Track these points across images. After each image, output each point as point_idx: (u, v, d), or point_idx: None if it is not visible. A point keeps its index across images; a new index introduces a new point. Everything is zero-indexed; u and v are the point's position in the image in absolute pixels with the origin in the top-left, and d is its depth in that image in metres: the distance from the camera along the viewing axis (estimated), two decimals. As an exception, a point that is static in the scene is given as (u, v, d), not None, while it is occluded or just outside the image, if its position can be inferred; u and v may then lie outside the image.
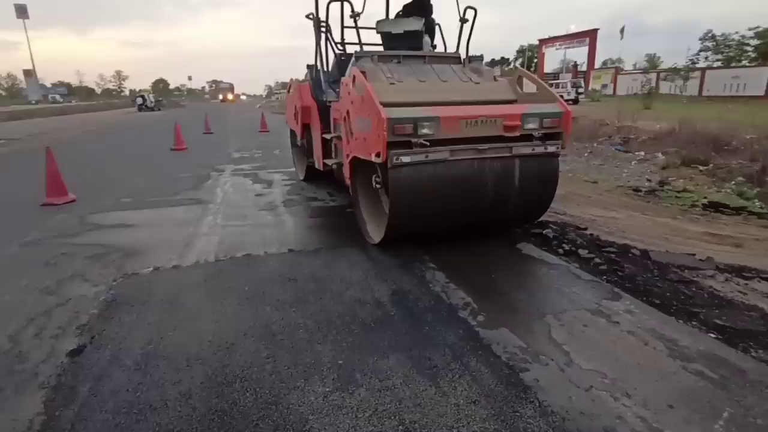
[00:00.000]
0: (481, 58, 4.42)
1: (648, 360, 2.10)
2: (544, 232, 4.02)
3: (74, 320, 2.48)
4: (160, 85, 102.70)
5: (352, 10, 4.40)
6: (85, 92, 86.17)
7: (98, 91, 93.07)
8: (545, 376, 1.97)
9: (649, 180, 6.75)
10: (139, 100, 39.85)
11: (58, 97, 65.88)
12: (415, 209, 3.33)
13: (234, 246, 3.68)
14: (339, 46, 4.82)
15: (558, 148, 3.62)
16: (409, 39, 4.51)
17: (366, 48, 4.63)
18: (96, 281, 3.00)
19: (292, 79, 6.40)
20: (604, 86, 38.35)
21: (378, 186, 3.63)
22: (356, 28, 4.49)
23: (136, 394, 1.87)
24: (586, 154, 8.73)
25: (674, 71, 30.60)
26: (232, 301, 2.72)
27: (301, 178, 6.46)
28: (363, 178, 3.85)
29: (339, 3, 4.37)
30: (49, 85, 75.49)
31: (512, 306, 2.66)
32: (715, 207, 5.30)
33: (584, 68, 42.73)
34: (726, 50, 33.01)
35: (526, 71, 4.36)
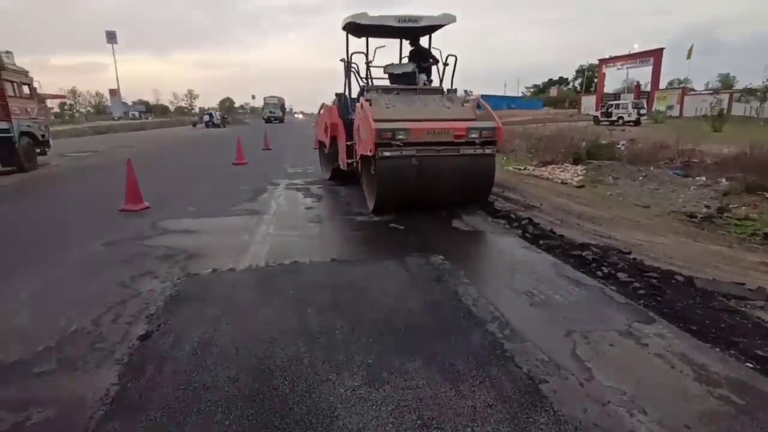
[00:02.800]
0: (455, 90, 6.52)
1: (672, 382, 2.12)
2: (583, 254, 4.02)
3: (144, 310, 2.85)
4: (226, 104, 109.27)
5: (366, 58, 6.65)
6: (161, 109, 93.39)
7: (172, 108, 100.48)
8: (563, 389, 2.05)
9: (707, 206, 6.43)
10: (206, 117, 42.73)
11: (136, 113, 71.90)
12: (393, 187, 5.18)
13: (283, 253, 3.99)
14: (363, 80, 6.60)
15: (493, 151, 5.44)
16: (406, 77, 6.59)
17: (379, 82, 6.71)
18: (163, 278, 3.40)
19: (324, 104, 8.16)
20: (670, 107, 36.45)
21: (373, 172, 5.27)
22: (368, 68, 6.60)
23: (193, 375, 2.16)
24: (640, 178, 8.41)
25: (749, 92, 28.60)
26: (278, 302, 3.00)
27: (327, 178, 8.35)
28: (367, 169, 5.60)
29: (359, 54, 6.62)
30: (130, 103, 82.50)
31: (540, 322, 2.74)
32: (779, 237, 4.98)
33: (648, 88, 40.85)
34: (811, 69, 30.39)
35: (481, 99, 6.23)
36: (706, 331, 2.64)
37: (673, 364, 2.27)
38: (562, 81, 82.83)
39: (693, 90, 42.44)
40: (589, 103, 46.18)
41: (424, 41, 6.97)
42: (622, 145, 13.52)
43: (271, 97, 54.80)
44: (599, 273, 3.59)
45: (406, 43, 7.21)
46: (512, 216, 5.47)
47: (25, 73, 11.73)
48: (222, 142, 19.32)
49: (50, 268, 3.68)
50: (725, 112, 26.21)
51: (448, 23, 6.39)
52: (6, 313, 2.85)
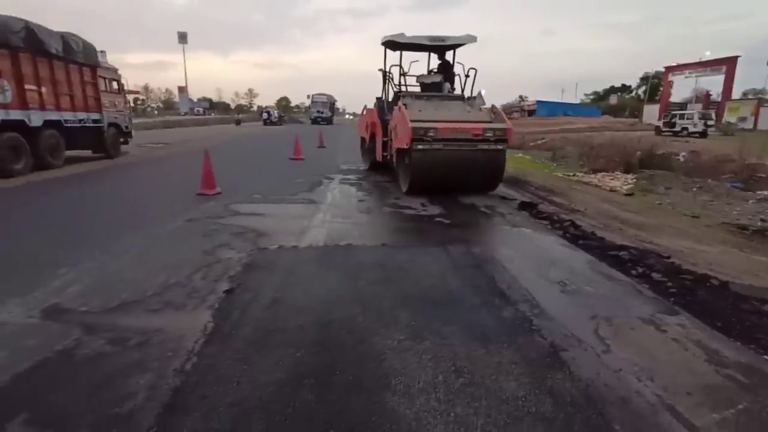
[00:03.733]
0: (473, 97, 7.63)
1: (683, 360, 2.36)
2: (620, 254, 4.20)
3: (226, 273, 3.41)
4: (282, 103, 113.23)
5: (401, 70, 8.33)
6: (222, 107, 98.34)
7: (232, 106, 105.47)
8: (581, 357, 2.35)
9: (762, 220, 6.29)
10: (265, 115, 44.84)
11: (201, 110, 76.20)
12: (424, 174, 6.54)
13: (338, 237, 4.48)
14: (397, 86, 8.25)
15: (504, 147, 6.75)
16: (434, 86, 8.09)
17: (412, 89, 8.31)
18: (239, 250, 3.97)
19: (365, 106, 9.98)
20: (743, 119, 34.11)
21: (407, 162, 6.75)
22: (403, 76, 8.38)
23: (269, 321, 2.65)
24: (694, 189, 8.24)
25: (836, 105, 26.25)
26: (335, 274, 3.46)
27: (366, 168, 9.88)
28: (401, 160, 7.15)
29: (396, 66, 8.34)
30: (195, 100, 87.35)
31: (568, 306, 3.01)
32: (834, 253, 4.88)
33: (719, 99, 38.41)
34: None
35: (497, 106, 7.28)
36: (729, 327, 2.81)
37: (688, 347, 2.50)
38: (625, 88, 79.14)
39: (774, 101, 39.42)
40: (651, 112, 43.96)
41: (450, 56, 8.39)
42: (682, 156, 13.08)
43: (319, 94, 47.04)
44: (633, 272, 3.78)
45: (433, 56, 8.69)
46: (555, 218, 5.68)
47: (115, 70, 13.10)
48: (279, 139, 20.39)
49: (147, 236, 4.37)
50: (805, 126, 24.30)
51: (470, 42, 7.76)
52: (119, 268, 3.50)
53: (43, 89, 9.42)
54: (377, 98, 8.69)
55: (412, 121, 6.34)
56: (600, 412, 1.92)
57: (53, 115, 9.63)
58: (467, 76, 7.94)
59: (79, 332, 2.45)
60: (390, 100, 8.29)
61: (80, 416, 1.79)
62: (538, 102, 63.79)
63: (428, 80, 8.30)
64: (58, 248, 3.94)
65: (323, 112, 44.23)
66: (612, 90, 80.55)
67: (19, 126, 8.54)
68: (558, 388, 2.08)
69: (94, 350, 2.28)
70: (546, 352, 2.39)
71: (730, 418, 1.91)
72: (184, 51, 63.46)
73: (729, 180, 9.80)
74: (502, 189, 7.86)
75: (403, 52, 8.37)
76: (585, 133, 23.04)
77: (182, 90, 70.28)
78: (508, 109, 66.28)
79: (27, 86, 8.89)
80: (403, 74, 8.29)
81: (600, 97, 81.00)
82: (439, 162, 6.46)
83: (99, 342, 2.36)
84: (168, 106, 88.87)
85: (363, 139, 10.22)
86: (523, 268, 3.73)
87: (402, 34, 7.62)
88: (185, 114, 59.89)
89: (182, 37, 62.98)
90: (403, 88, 8.34)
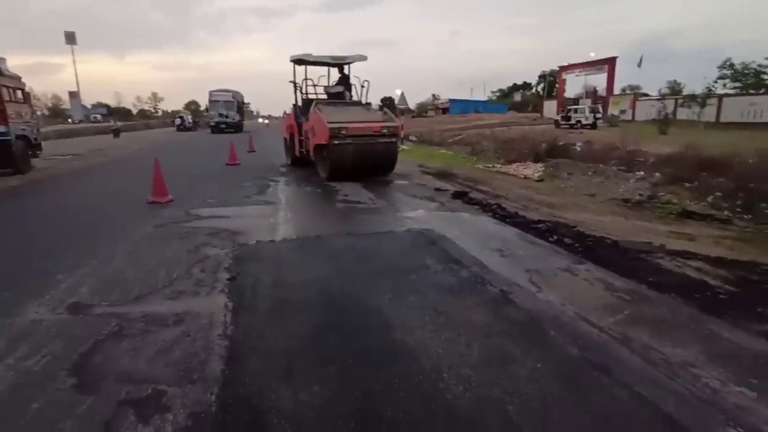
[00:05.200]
0: (369, 103, 10.11)
1: (590, 291, 3.32)
2: (539, 226, 5.24)
3: (220, 265, 3.83)
4: (192, 107, 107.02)
5: (309, 82, 10.45)
6: (123, 112, 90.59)
7: (134, 111, 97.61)
8: (523, 296, 3.20)
9: (640, 194, 7.85)
10: (178, 121, 42.59)
11: (98, 116, 69.52)
12: (340, 163, 8.37)
13: (306, 230, 5.02)
14: (305, 95, 10.45)
15: (396, 141, 8.96)
16: (337, 95, 10.21)
17: (320, 97, 10.32)
18: (221, 247, 4.36)
19: (285, 111, 12.61)
20: (623, 112, 39.19)
21: (325, 154, 8.62)
22: (314, 86, 10.64)
23: (278, 296, 3.19)
24: (590, 173, 9.86)
25: (691, 98, 31.31)
26: (317, 259, 4.04)
27: (289, 163, 11.62)
28: (320, 154, 8.99)
29: (305, 79, 10.40)
30: (89, 106, 79.51)
31: (508, 265, 3.89)
32: (688, 215, 6.40)
33: (605, 94, 43.67)
34: (744, 78, 33.33)
35: (389, 110, 9.64)
36: (619, 269, 3.84)
37: (593, 283, 3.48)
38: (526, 86, 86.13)
39: (646, 95, 45.60)
40: (550, 107, 48.75)
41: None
42: (579, 146, 15.12)
43: (220, 91, 33.49)
44: (550, 238, 4.80)
45: (333, 70, 10.80)
46: (484, 203, 6.69)
47: (19, 78, 12.15)
48: (201, 145, 19.86)
49: (124, 242, 4.57)
50: (670, 116, 28.70)
51: (362, 60, 10.15)
52: (116, 269, 3.77)
53: (-56, 101, 8.67)
54: (294, 104, 10.67)
55: (328, 122, 8.05)
56: (540, 325, 2.77)
57: (-43, 129, 8.88)
58: (362, 86, 10.31)
59: (116, 320, 2.80)
60: (301, 106, 10.29)
61: (161, 372, 2.25)
62: (451, 100, 67.51)
63: (332, 90, 10.39)
64: (41, 257, 4.05)
65: (227, 116, 32.27)
66: (515, 87, 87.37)
67: None
68: (511, 315, 2.90)
69: (140, 330, 2.68)
70: (498, 295, 3.21)
71: (621, 319, 2.85)
72: (73, 52, 57.32)
73: (616, 164, 11.71)
74: (435, 182, 8.83)
75: (309, 67, 10.32)
76: (497, 128, 25.23)
77: (74, 95, 63.61)
78: (423, 108, 69.28)
79: (-74, 98, 8.17)
80: (313, 85, 10.49)
81: (505, 95, 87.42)
82: (350, 154, 8.27)
83: (139, 324, 2.75)
84: (56, 113, 79.79)
85: (285, 139, 12.17)
86: (468, 242, 4.58)
87: (309, 54, 9.79)
88: (80, 122, 54.50)
89: (70, 38, 57.12)
90: (312, 96, 10.32)
